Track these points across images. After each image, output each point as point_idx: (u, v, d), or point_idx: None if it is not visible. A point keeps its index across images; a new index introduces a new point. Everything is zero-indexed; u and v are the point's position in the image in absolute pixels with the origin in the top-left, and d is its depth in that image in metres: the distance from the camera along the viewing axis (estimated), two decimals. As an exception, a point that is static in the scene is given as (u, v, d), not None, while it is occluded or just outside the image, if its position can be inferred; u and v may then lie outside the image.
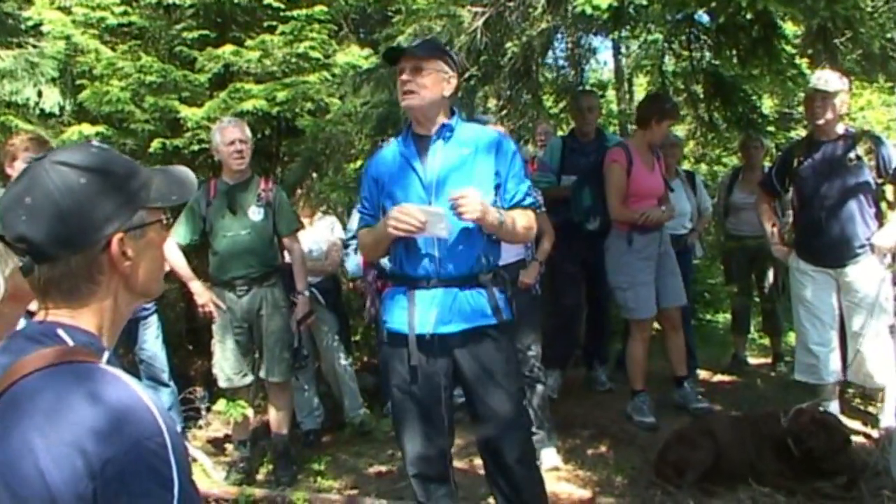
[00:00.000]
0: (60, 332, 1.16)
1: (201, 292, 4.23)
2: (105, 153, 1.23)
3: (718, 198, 6.24)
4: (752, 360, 6.21)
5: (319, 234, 5.19)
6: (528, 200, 2.92)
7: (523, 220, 2.87)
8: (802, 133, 6.35)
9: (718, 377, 5.82)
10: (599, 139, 5.28)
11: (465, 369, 2.84)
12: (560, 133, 6.38)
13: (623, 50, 10.20)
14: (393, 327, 2.90)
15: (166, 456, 1.07)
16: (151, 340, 4.70)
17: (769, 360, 6.14)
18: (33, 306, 1.34)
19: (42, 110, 5.86)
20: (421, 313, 2.80)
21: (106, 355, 1.17)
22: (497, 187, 2.83)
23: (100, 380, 1.10)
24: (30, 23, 5.45)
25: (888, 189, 4.29)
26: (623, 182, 4.53)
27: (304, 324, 4.40)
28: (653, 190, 4.64)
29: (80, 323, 1.19)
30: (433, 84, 2.76)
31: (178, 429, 3.30)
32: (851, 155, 4.07)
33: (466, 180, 2.76)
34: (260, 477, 4.53)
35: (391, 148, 2.98)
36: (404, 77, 2.76)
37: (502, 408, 2.84)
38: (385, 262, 3.16)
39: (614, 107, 10.82)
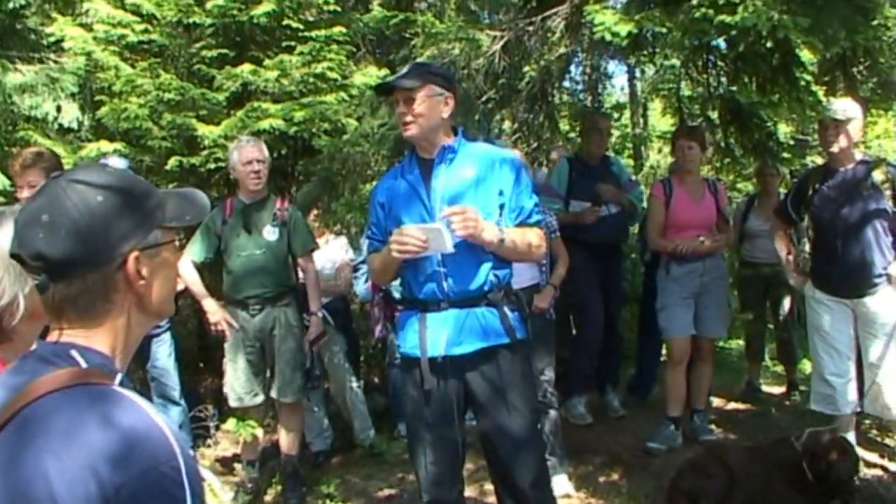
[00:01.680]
0: (74, 353, 1.15)
1: (214, 310, 4.23)
2: (120, 173, 1.25)
3: (734, 224, 6.21)
4: (766, 388, 6.14)
5: (332, 253, 5.19)
6: (535, 218, 2.90)
7: (528, 237, 2.85)
8: (818, 160, 6.34)
9: (732, 405, 5.76)
10: (605, 162, 5.31)
11: (477, 390, 2.82)
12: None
13: (638, 74, 10.23)
14: (406, 351, 2.90)
15: (180, 480, 1.06)
16: (164, 358, 4.70)
17: (784, 389, 6.07)
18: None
19: (61, 125, 5.91)
20: (432, 336, 2.79)
21: (119, 377, 1.17)
22: (502, 206, 2.82)
23: (113, 403, 1.09)
24: (51, 38, 5.52)
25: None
26: (661, 214, 4.73)
27: (316, 345, 4.38)
28: (694, 221, 4.72)
29: (93, 344, 1.18)
30: (429, 110, 2.77)
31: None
32: (868, 182, 4.05)
33: (470, 200, 2.76)
34: (268, 498, 4.51)
35: (396, 172, 3.00)
36: (400, 109, 2.79)
37: (515, 430, 2.81)
38: (396, 285, 3.16)
39: (629, 130, 10.83)
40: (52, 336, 1.19)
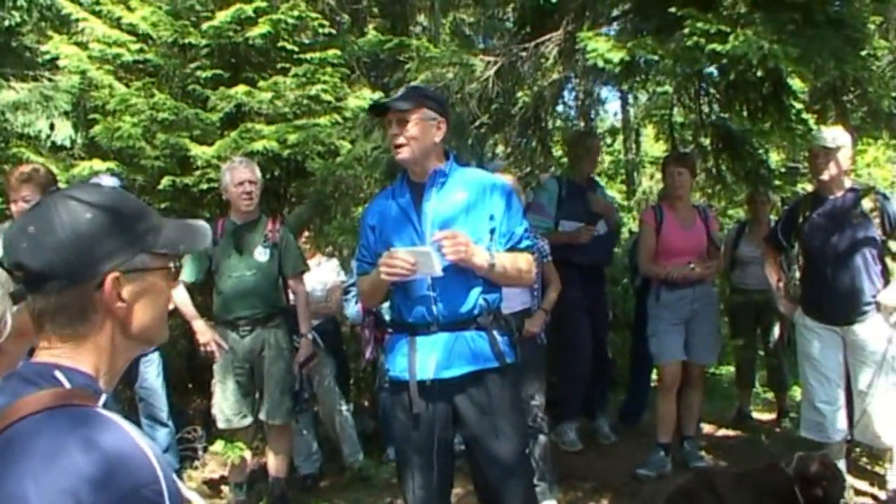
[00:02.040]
0: (58, 373, 1.14)
1: (203, 331, 4.21)
2: (117, 194, 1.24)
3: (724, 251, 6.24)
4: (756, 415, 6.13)
5: (324, 275, 5.18)
6: (525, 243, 2.91)
7: (518, 262, 2.86)
8: (809, 187, 6.37)
9: (722, 431, 5.75)
10: (591, 183, 5.37)
11: (466, 414, 2.81)
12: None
13: (631, 100, 10.30)
14: (394, 374, 2.89)
15: (162, 502, 1.06)
16: (152, 378, 4.66)
17: (774, 416, 6.06)
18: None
19: (54, 143, 5.93)
20: (422, 359, 2.78)
21: (103, 398, 1.15)
22: (492, 231, 2.82)
23: (96, 425, 1.08)
24: (47, 56, 5.53)
25: (893, 245, 4.28)
26: (651, 240, 4.74)
27: (306, 367, 4.36)
28: (684, 247, 4.73)
29: (77, 364, 1.17)
30: (422, 133, 2.77)
31: (175, 469, 3.26)
32: (857, 211, 4.07)
33: (461, 224, 2.77)
34: (256, 521, 4.47)
35: (387, 194, 3.00)
36: (393, 131, 2.78)
37: (503, 454, 2.80)
38: (385, 307, 3.15)
39: (622, 156, 10.89)
40: (38, 355, 1.18)
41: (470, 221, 2.79)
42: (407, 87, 3.00)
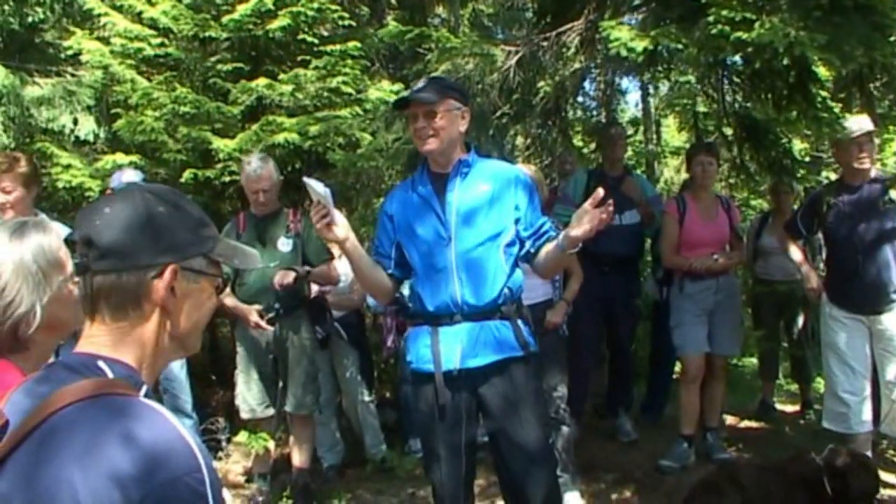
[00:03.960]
0: (101, 364, 1.16)
1: (248, 311, 4.13)
2: (186, 198, 1.31)
3: (747, 241, 6.18)
4: (780, 407, 6.09)
5: (346, 267, 5.17)
6: (552, 234, 2.88)
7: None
8: (832, 177, 6.30)
9: (745, 423, 5.71)
10: (626, 174, 5.23)
11: (490, 403, 2.81)
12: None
13: (652, 91, 10.22)
14: (417, 366, 2.87)
15: (204, 492, 1.06)
16: (176, 370, 4.69)
17: (798, 408, 6.02)
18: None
19: (77, 137, 5.97)
20: (446, 349, 2.77)
21: (144, 389, 1.18)
22: (517, 221, 2.82)
23: (139, 413, 1.09)
24: (69, 52, 5.55)
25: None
26: (674, 231, 4.69)
27: (282, 284, 4.12)
28: (707, 238, 4.69)
29: (120, 356, 1.19)
30: (449, 124, 2.77)
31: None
32: (885, 199, 4.03)
33: (485, 215, 2.77)
34: (279, 511, 4.49)
35: (406, 185, 2.99)
36: (419, 124, 2.76)
37: (528, 443, 2.79)
38: (407, 297, 3.14)
39: (643, 147, 10.82)
40: (81, 346, 1.20)
41: (494, 211, 2.79)
42: (428, 79, 2.98)
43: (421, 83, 2.88)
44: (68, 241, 1.24)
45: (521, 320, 2.84)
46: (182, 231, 1.24)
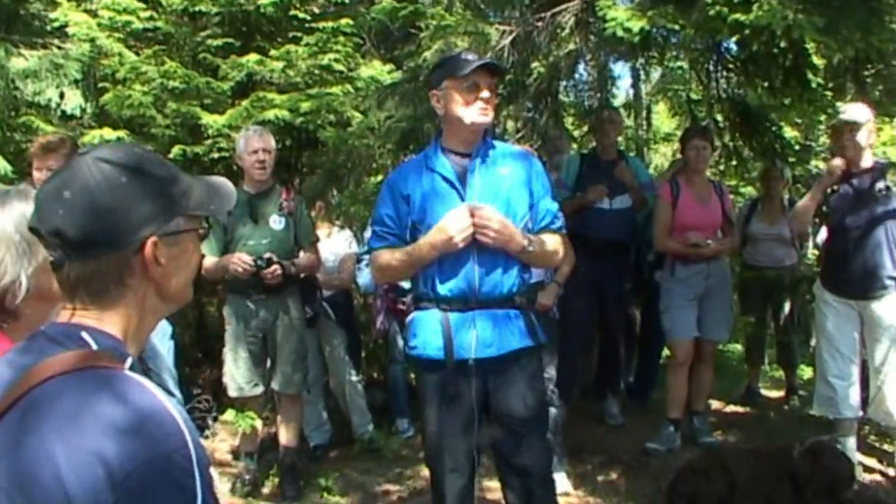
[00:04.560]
0: (84, 334, 1.12)
1: (228, 259, 4.06)
2: (149, 155, 1.22)
3: (736, 227, 6.19)
4: (765, 393, 6.13)
5: (336, 246, 5.16)
6: (557, 224, 2.86)
7: (550, 244, 2.80)
8: (822, 165, 6.31)
9: (731, 408, 5.75)
10: (620, 159, 5.16)
11: (500, 393, 2.75)
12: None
13: (643, 76, 10.21)
14: (426, 354, 2.76)
15: (191, 468, 1.03)
16: (158, 347, 4.64)
17: (783, 393, 6.06)
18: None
19: (63, 112, 5.88)
20: (459, 338, 2.69)
21: (129, 361, 1.13)
22: (530, 208, 2.78)
23: (124, 387, 1.06)
24: (55, 24, 5.48)
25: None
26: (667, 215, 4.68)
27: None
28: (700, 223, 4.69)
29: (105, 326, 1.15)
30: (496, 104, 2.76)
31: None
32: (880, 185, 4.04)
33: (505, 198, 2.72)
34: (266, 490, 4.48)
35: (418, 164, 2.87)
36: (486, 94, 2.66)
37: (532, 437, 2.78)
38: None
39: (634, 132, 10.82)
40: (63, 316, 1.16)
41: (514, 196, 2.74)
42: (482, 57, 2.88)
43: (482, 58, 2.78)
44: (33, 229, 1.16)
45: (532, 310, 2.80)
46: (153, 199, 1.16)
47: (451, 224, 2.59)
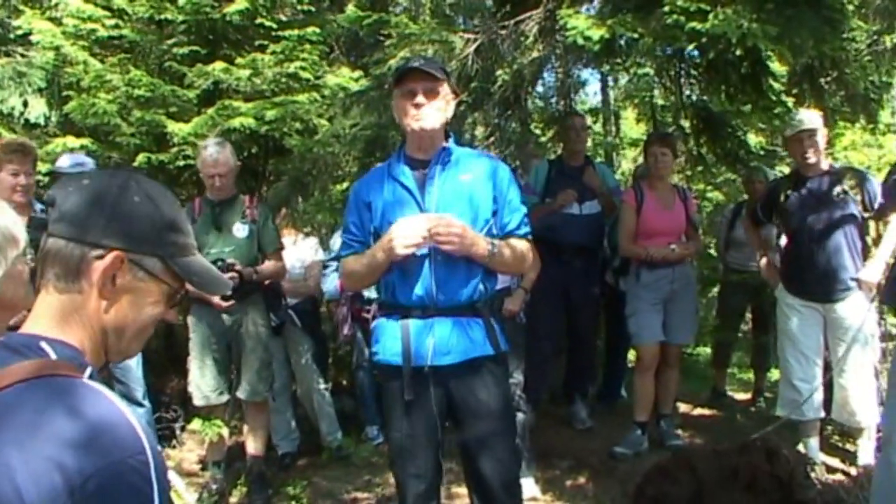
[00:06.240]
0: (44, 344, 1.13)
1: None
2: (175, 202, 1.29)
3: (720, 231, 6.27)
4: (732, 395, 6.19)
5: (302, 253, 5.15)
6: (524, 229, 2.83)
7: (517, 250, 2.78)
8: (786, 170, 6.41)
9: (698, 411, 5.80)
10: (587, 165, 5.20)
11: (461, 402, 2.74)
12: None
13: (611, 82, 10.31)
14: (385, 359, 2.76)
15: (147, 474, 1.04)
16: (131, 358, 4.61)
17: (749, 395, 6.12)
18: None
19: (27, 120, 5.83)
20: (416, 344, 2.68)
21: (89, 371, 1.15)
22: (494, 213, 2.75)
23: (81, 395, 1.07)
24: (19, 32, 5.43)
25: (872, 225, 4.33)
26: (632, 220, 4.72)
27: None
28: (664, 228, 4.74)
29: (64, 336, 1.16)
30: (444, 107, 2.68)
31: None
32: (837, 189, 4.12)
33: (466, 207, 2.69)
34: (234, 500, 4.46)
35: (381, 171, 2.86)
36: (419, 99, 2.62)
37: (496, 445, 2.76)
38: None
39: (602, 138, 10.91)
40: (24, 327, 1.17)
41: (475, 202, 2.71)
42: (426, 59, 2.85)
43: (419, 60, 2.75)
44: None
45: (493, 318, 2.77)
46: (143, 224, 1.21)
47: (396, 230, 2.58)
